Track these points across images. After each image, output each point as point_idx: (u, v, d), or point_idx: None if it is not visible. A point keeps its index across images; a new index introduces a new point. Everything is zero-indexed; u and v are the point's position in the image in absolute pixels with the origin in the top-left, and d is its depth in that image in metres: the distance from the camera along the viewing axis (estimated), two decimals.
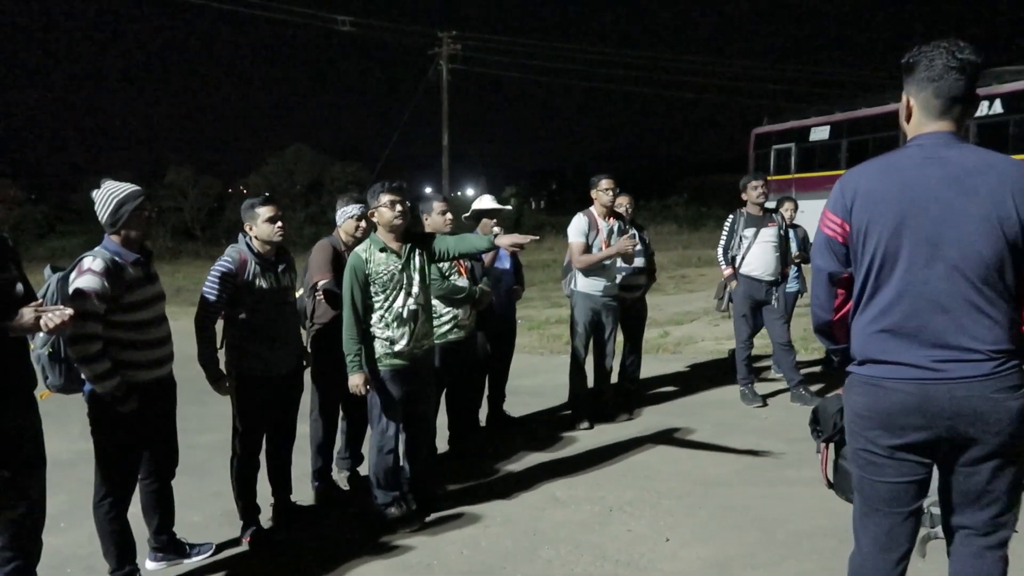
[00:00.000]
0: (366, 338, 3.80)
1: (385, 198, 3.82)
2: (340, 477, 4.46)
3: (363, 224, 4.23)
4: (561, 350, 8.48)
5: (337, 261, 4.15)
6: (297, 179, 35.52)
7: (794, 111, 19.71)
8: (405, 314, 3.82)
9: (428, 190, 32.87)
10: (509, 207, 5.67)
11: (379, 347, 3.81)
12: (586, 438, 5.21)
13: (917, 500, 2.14)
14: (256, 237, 3.71)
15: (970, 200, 1.97)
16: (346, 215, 4.30)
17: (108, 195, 3.18)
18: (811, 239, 7.31)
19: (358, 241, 4.17)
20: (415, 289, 3.87)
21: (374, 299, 3.79)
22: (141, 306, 3.21)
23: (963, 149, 2.04)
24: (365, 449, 4.37)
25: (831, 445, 4.09)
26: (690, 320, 10.20)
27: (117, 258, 3.15)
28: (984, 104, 13.76)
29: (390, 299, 3.80)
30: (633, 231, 5.83)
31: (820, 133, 17.48)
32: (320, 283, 4.10)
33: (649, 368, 7.09)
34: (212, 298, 3.58)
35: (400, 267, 3.82)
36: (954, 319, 1.98)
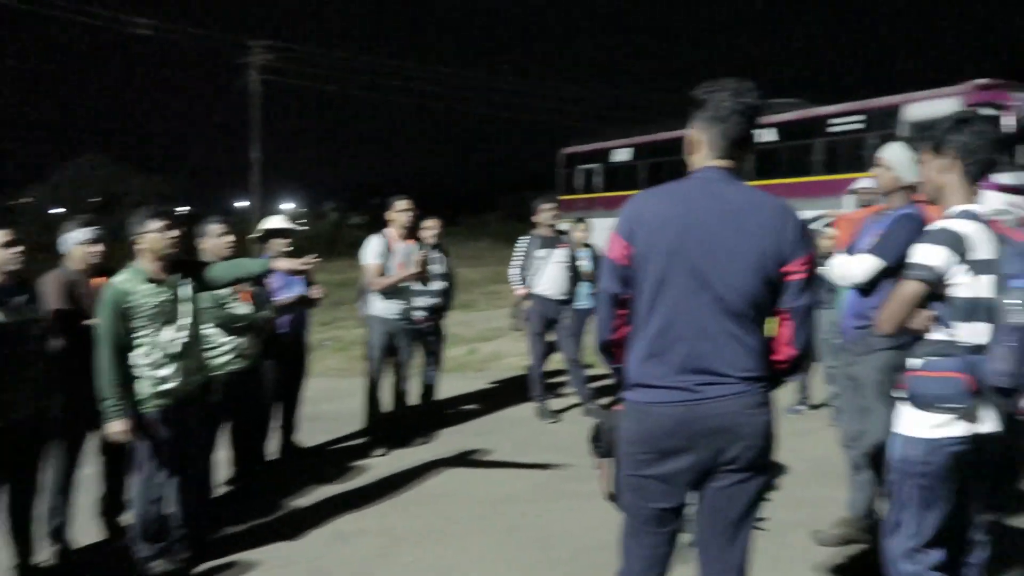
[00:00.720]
0: (128, 379, 3.47)
1: (154, 224, 3.53)
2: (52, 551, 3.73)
3: (96, 250, 3.83)
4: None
5: (70, 292, 3.72)
6: (90, 193, 32.55)
7: (601, 132, 20.75)
8: (174, 349, 3.54)
9: (246, 203, 31.32)
10: (304, 227, 5.48)
11: (145, 387, 3.49)
12: (380, 465, 5.10)
13: (677, 521, 2.26)
14: None
15: (739, 236, 2.08)
16: (72, 242, 3.82)
17: None
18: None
19: (96, 269, 3.81)
20: (185, 321, 3.61)
21: (138, 334, 3.48)
22: None
23: (738, 187, 2.17)
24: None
25: (610, 460, 4.29)
26: (498, 336, 10.36)
27: None
28: (761, 132, 15.19)
29: (156, 333, 3.51)
30: (432, 251, 5.85)
31: (623, 154, 18.52)
32: (50, 316, 3.66)
33: (453, 387, 7.11)
34: None
35: (168, 298, 3.55)
36: (715, 346, 2.10)
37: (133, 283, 3.49)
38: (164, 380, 3.51)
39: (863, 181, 6.92)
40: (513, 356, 8.98)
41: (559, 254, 6.09)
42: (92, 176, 32.42)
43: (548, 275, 6.04)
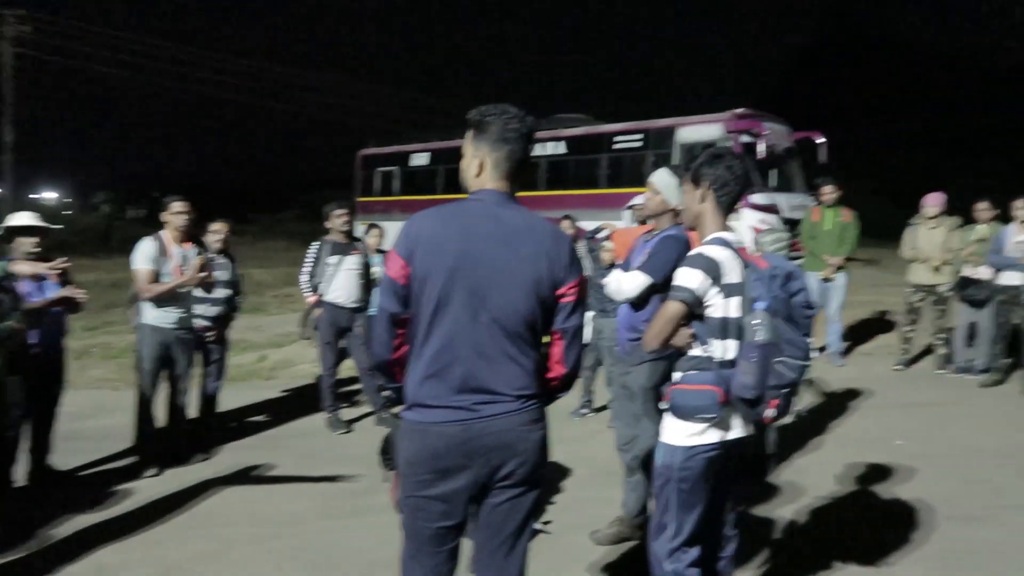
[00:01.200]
0: None
1: None
2: None
3: None
4: None
5: None
6: None
7: (399, 135, 20.68)
8: None
9: None
10: (58, 225, 4.93)
11: None
12: (152, 487, 4.70)
13: (458, 538, 2.28)
14: None
15: (514, 259, 2.14)
16: None
17: None
18: None
19: None
20: None
21: None
22: None
23: (514, 210, 2.22)
24: None
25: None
26: (291, 342, 9.97)
27: None
28: (551, 145, 15.93)
29: None
30: (217, 257, 5.55)
31: (421, 159, 18.58)
32: None
33: (238, 398, 6.75)
34: None
35: None
36: (492, 366, 2.14)
37: None
38: None
39: (639, 198, 7.48)
40: (305, 363, 8.68)
41: (351, 261, 5.97)
42: None
43: (340, 282, 5.90)
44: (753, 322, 2.49)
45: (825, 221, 8.11)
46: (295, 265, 21.31)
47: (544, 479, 2.33)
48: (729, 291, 2.57)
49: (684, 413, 2.59)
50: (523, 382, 2.19)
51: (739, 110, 13.83)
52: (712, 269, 2.56)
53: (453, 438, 2.15)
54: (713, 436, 2.59)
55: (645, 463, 3.72)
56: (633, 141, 15.01)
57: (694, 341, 2.62)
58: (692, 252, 2.65)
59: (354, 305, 5.96)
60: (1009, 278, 6.81)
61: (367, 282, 6.12)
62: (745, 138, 13.09)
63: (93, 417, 6.22)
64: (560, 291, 2.21)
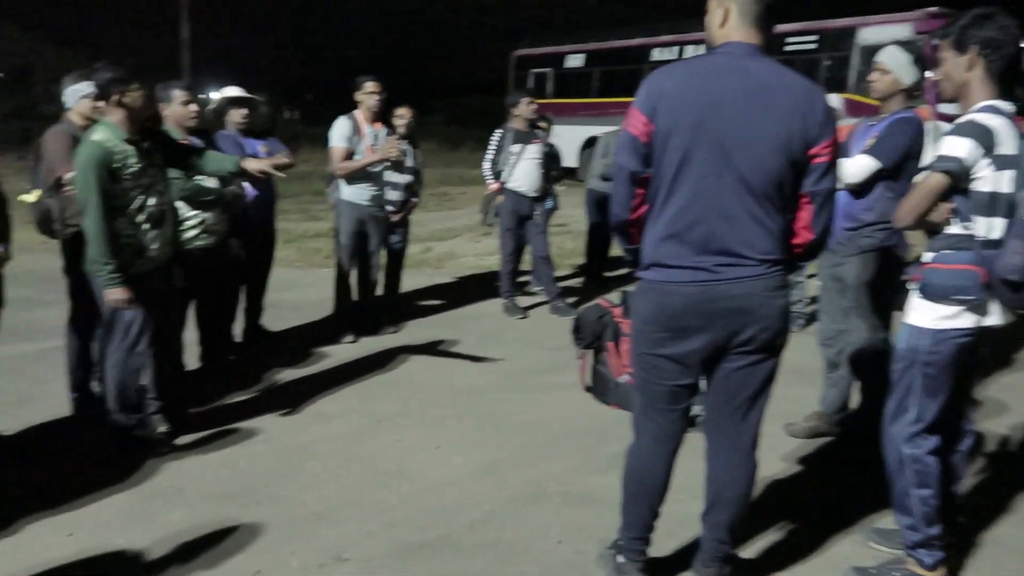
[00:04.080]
0: (118, 243, 3.29)
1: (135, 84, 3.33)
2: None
3: (102, 105, 3.61)
4: (321, 264, 8.14)
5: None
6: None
7: (555, 36, 20.21)
8: (152, 215, 3.40)
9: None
10: (262, 99, 5.20)
11: (129, 253, 3.35)
12: (350, 351, 5.05)
13: (690, 399, 2.31)
14: None
15: (764, 115, 2.03)
16: (79, 94, 3.73)
17: None
18: (563, 161, 7.65)
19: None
20: (161, 187, 3.46)
21: (122, 197, 3.30)
22: None
23: (766, 64, 2.10)
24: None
25: (590, 352, 4.35)
26: (452, 236, 10.26)
27: None
28: None
29: (138, 198, 3.33)
30: (402, 142, 5.69)
31: (575, 60, 18.15)
32: (66, 176, 3.49)
33: (412, 282, 7.03)
34: None
35: (145, 162, 3.37)
36: (736, 228, 2.08)
37: (113, 142, 3.27)
38: (143, 247, 3.39)
39: (833, 98, 6.99)
40: (469, 256, 8.93)
41: (533, 150, 5.98)
42: None
43: (521, 170, 5.93)
44: None
45: None
46: (447, 166, 21.68)
47: (784, 347, 2.28)
48: (1002, 163, 2.35)
49: (938, 294, 2.43)
50: (768, 246, 2.12)
51: (932, 8, 12.49)
52: (984, 138, 2.34)
53: (691, 298, 2.12)
54: (967, 320, 2.42)
55: (852, 359, 3.59)
56: (807, 43, 13.95)
57: (953, 217, 2.43)
58: (961, 119, 2.43)
59: (535, 194, 6.00)
60: None
61: (548, 171, 6.12)
62: (935, 40, 11.86)
63: (286, 291, 6.67)
64: (813, 151, 2.09)
